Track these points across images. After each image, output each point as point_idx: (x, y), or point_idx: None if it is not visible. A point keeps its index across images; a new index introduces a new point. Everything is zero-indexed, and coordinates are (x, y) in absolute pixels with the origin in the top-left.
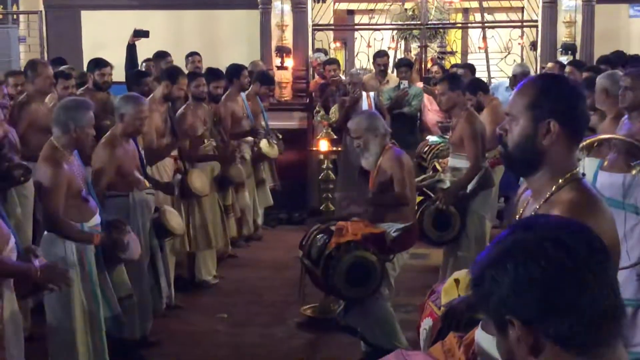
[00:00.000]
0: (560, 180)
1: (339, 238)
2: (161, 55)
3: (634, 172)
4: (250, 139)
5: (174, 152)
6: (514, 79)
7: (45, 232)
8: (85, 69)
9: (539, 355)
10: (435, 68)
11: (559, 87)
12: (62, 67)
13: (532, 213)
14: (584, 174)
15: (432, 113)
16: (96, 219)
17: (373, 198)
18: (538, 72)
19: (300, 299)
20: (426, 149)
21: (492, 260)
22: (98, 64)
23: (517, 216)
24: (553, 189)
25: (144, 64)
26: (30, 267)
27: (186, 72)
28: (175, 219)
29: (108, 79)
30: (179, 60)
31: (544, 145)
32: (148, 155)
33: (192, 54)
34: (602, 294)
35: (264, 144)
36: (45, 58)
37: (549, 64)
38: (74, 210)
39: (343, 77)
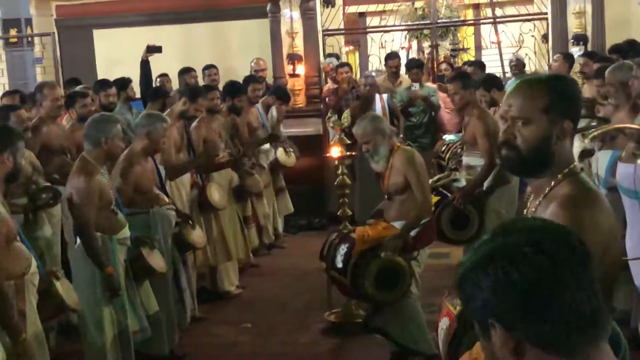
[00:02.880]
0: (559, 176)
1: (362, 245)
2: (186, 71)
3: (639, 161)
4: (267, 146)
5: None
6: (512, 68)
7: (76, 248)
8: None
9: (521, 358)
10: (444, 66)
11: (569, 87)
12: (77, 87)
13: (533, 209)
14: (582, 168)
15: (445, 112)
16: (125, 232)
17: (403, 231)
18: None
19: (327, 307)
20: (444, 147)
21: (473, 265)
22: (103, 85)
23: (525, 212)
24: (552, 184)
25: (158, 80)
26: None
27: (202, 84)
28: (196, 232)
29: (113, 99)
30: None
31: (556, 146)
32: (169, 171)
33: (209, 66)
34: (582, 297)
35: (280, 152)
36: (61, 78)
37: (556, 56)
38: (105, 222)
39: (357, 79)
